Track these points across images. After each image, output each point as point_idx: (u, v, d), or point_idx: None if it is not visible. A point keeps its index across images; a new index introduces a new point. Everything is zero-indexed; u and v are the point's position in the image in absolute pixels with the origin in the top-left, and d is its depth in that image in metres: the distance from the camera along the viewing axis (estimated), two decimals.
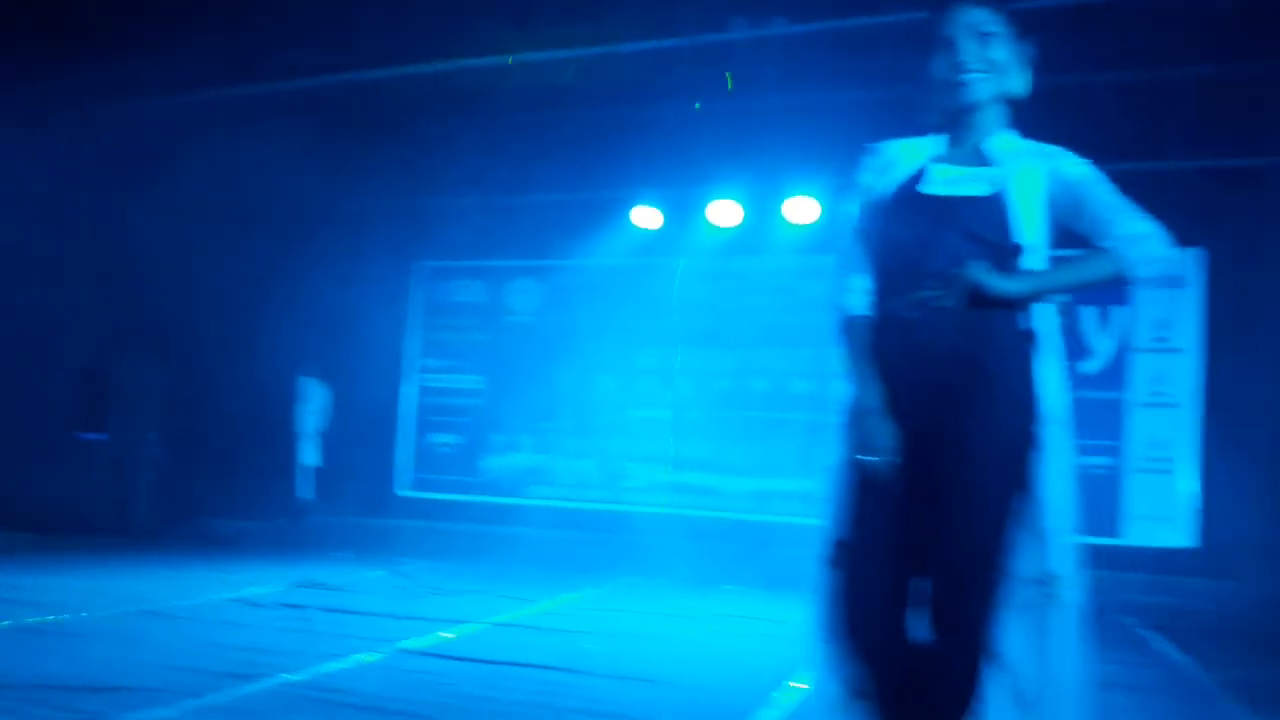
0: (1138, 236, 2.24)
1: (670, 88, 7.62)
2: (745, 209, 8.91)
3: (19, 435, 7.88)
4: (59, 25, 7.01)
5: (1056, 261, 2.29)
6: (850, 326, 2.34)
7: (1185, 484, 8.21)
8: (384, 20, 7.08)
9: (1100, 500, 8.43)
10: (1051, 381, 2.23)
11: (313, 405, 10.45)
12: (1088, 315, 8.52)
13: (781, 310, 9.39)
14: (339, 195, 9.77)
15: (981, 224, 2.23)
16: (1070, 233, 2.32)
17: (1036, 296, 2.22)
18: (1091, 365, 8.54)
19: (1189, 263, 8.29)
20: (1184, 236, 7.76)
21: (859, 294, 2.34)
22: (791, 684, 3.93)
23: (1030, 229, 2.24)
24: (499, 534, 9.43)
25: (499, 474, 10.64)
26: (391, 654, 4.33)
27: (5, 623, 4.51)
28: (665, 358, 9.98)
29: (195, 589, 5.73)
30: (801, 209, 8.60)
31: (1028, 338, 2.23)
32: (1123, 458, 8.47)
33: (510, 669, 4.16)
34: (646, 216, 9.36)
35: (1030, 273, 2.22)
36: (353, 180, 9.48)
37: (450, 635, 4.78)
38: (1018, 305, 2.21)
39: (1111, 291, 8.37)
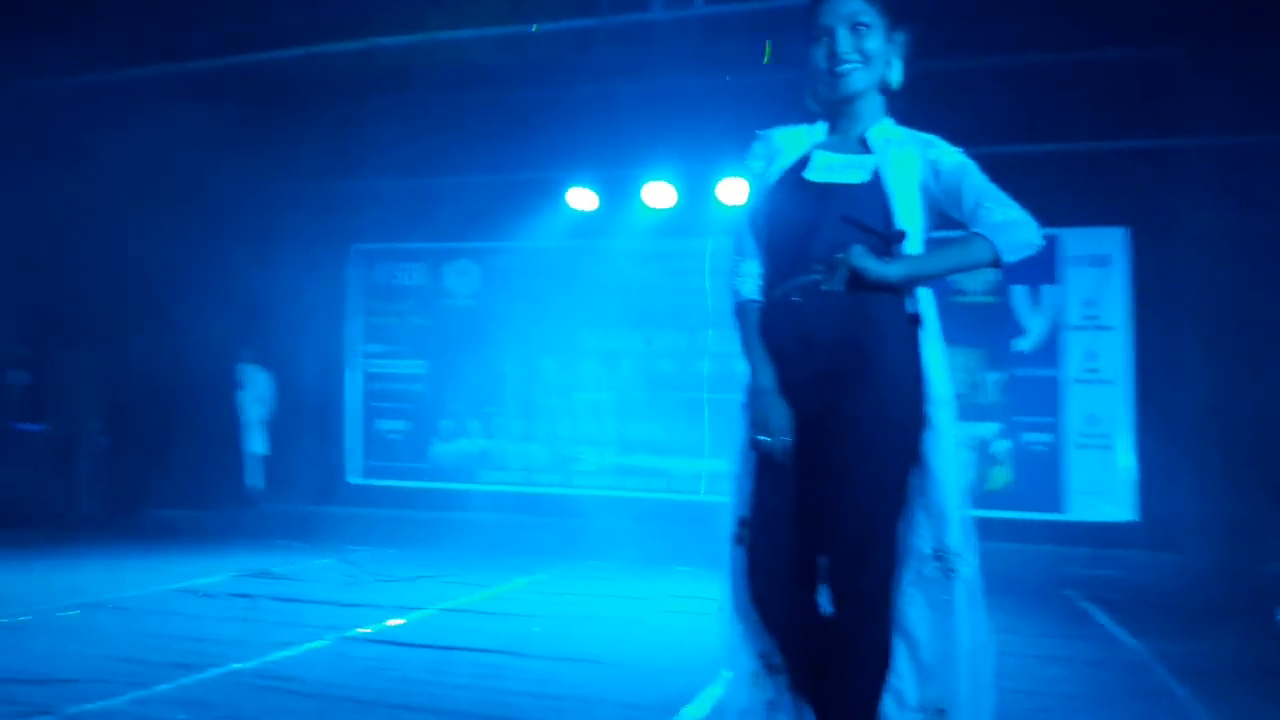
0: (1009, 223, 2.30)
1: (600, 68, 7.65)
2: (679, 190, 8.98)
3: None
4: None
5: (933, 246, 2.37)
6: (742, 310, 2.44)
7: (1123, 459, 8.46)
8: None
9: (1041, 476, 8.67)
10: (937, 363, 2.32)
11: (255, 392, 10.37)
12: (1019, 294, 8.74)
13: (722, 292, 9.46)
14: (272, 177, 9.64)
15: (860, 210, 2.32)
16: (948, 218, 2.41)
17: (915, 280, 2.31)
18: (1026, 343, 8.77)
19: (1114, 241, 8.54)
20: (1107, 215, 8.02)
21: (749, 279, 2.44)
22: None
23: (907, 215, 2.33)
24: (450, 520, 9.44)
25: (448, 460, 10.65)
26: (339, 641, 4.38)
27: None
28: (607, 340, 10.04)
29: (142, 580, 5.73)
30: (736, 190, 8.67)
31: (914, 320, 2.32)
32: (1061, 434, 8.69)
33: (456, 653, 4.24)
34: (582, 198, 9.39)
35: (908, 257, 2.30)
36: (286, 162, 9.38)
37: (398, 622, 4.84)
38: (901, 289, 2.29)
39: (1041, 270, 8.59)
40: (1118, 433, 8.51)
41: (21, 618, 4.66)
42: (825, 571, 2.27)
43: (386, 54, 7.35)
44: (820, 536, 2.27)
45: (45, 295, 8.29)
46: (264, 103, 8.38)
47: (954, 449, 2.30)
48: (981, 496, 8.68)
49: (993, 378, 8.87)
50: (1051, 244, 8.67)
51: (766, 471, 2.33)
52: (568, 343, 10.12)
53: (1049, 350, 8.76)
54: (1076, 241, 8.62)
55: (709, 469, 9.46)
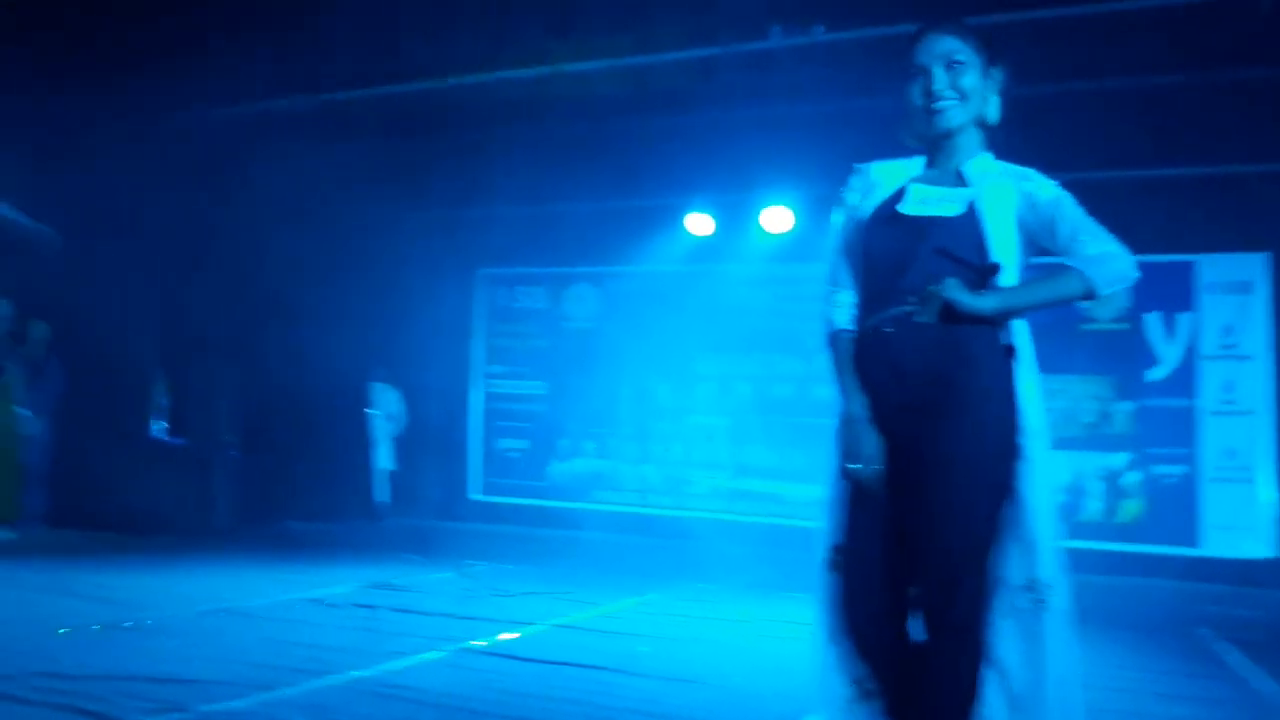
0: (1103, 256, 2.30)
1: (720, 95, 7.72)
2: (796, 215, 8.97)
3: (101, 440, 8.25)
4: (130, 38, 7.34)
5: (1028, 279, 2.38)
6: (835, 340, 2.48)
7: (1264, 493, 8.06)
8: (438, 33, 7.34)
9: (1175, 510, 8.33)
10: (1031, 394, 2.33)
11: (385, 410, 10.77)
12: (1153, 321, 8.43)
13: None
14: (404, 205, 10.05)
15: (955, 243, 2.34)
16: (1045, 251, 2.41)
17: (1008, 313, 2.31)
18: (1159, 372, 8.45)
19: (1255, 267, 8.17)
20: (1249, 241, 7.71)
21: (843, 309, 2.49)
22: None
23: (1002, 248, 2.34)
24: (565, 538, 9.59)
25: (564, 479, 10.83)
26: (455, 653, 4.50)
27: (89, 620, 4.78)
28: (722, 364, 10.08)
29: (270, 589, 5.97)
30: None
31: (1008, 352, 2.33)
32: (1196, 466, 8.35)
33: (566, 669, 4.30)
34: (700, 223, 9.47)
35: (1002, 290, 2.31)
36: (417, 190, 9.75)
37: (511, 636, 4.94)
38: (995, 321, 2.30)
39: (1177, 297, 8.28)
40: (1258, 465, 8.12)
41: (154, 621, 4.92)
42: (917, 600, 2.29)
43: (512, 86, 7.59)
44: (912, 565, 2.29)
45: (186, 315, 8.76)
46: (396, 134, 8.72)
47: (1047, 480, 2.30)
48: (1110, 530, 8.38)
49: (1124, 407, 8.58)
50: (1187, 270, 8.36)
51: (858, 499, 2.37)
52: (682, 366, 10.21)
53: (1184, 379, 8.43)
54: (1215, 268, 8.29)
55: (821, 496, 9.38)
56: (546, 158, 9.14)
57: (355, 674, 3.96)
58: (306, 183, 8.77)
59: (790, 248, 9.12)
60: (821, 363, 8.51)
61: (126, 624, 4.74)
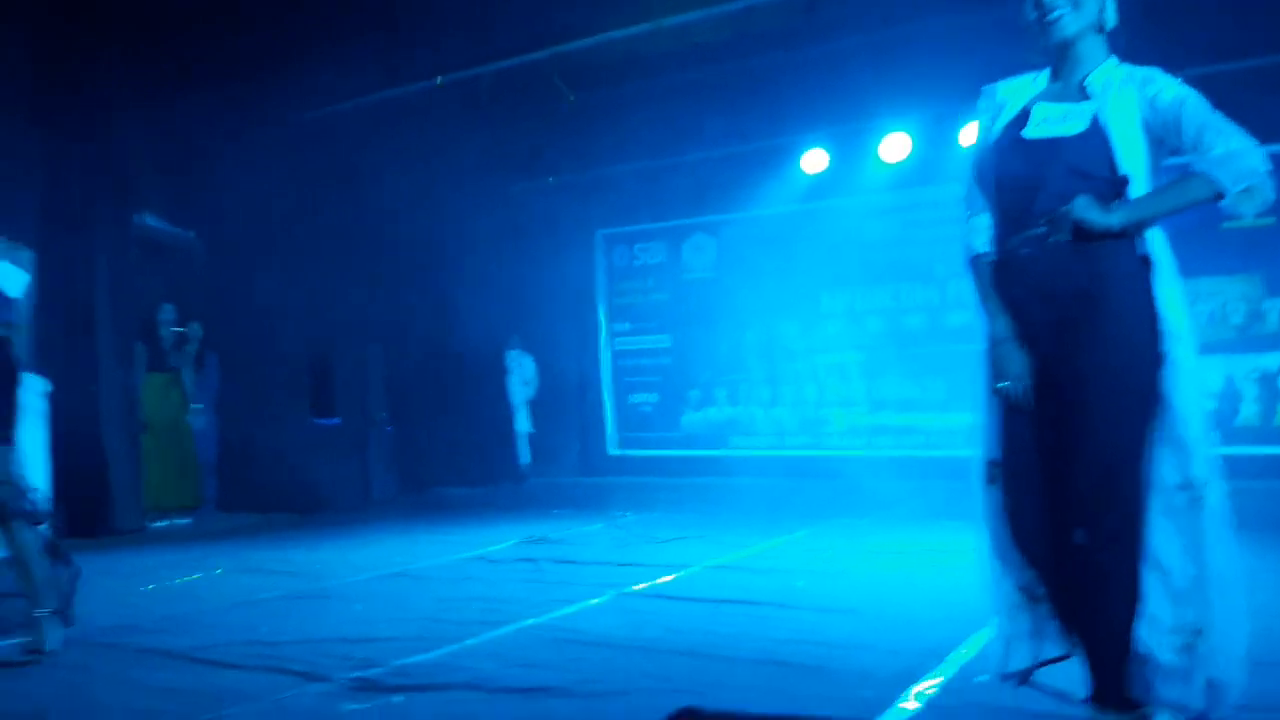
0: (1229, 155, 2.24)
1: (826, 27, 7.60)
2: (915, 141, 8.79)
3: (270, 425, 8.74)
4: (250, 43, 7.64)
5: (1157, 188, 2.35)
6: (975, 264, 2.53)
7: None
8: (539, 6, 7.43)
9: None
10: (1172, 300, 2.32)
11: (521, 376, 11.09)
12: None
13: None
14: (522, 176, 10.26)
15: (1082, 160, 2.34)
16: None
17: (1140, 225, 2.30)
18: None
19: None
20: None
21: (980, 233, 2.52)
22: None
23: (1129, 158, 2.32)
24: (703, 486, 9.75)
25: (698, 428, 10.97)
26: (617, 597, 4.68)
27: (276, 592, 5.14)
28: (851, 299, 10.00)
29: (435, 551, 6.28)
30: (975, 134, 8.43)
31: (1144, 262, 2.33)
32: None
33: (726, 606, 4.43)
34: (814, 160, 9.37)
35: (1131, 202, 2.30)
36: (534, 160, 9.94)
37: (668, 578, 5.09)
38: (1128, 233, 2.30)
39: None
40: None
41: (334, 586, 5.25)
42: (1075, 506, 2.34)
43: (615, 47, 7.64)
44: (1067, 475, 2.34)
45: (330, 302, 9.17)
46: (508, 109, 8.89)
47: (1194, 384, 2.32)
48: (1267, 433, 8.05)
49: (1275, 305, 8.19)
50: None
51: (1011, 416, 2.43)
52: (809, 306, 10.17)
53: None
54: None
55: (964, 423, 9.24)
56: (655, 114, 9.20)
57: (529, 622, 4.17)
58: (428, 166, 9.04)
59: (910, 174, 8.96)
60: (954, 289, 8.38)
61: (307, 591, 5.08)
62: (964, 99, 8.26)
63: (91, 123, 7.42)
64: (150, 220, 8.45)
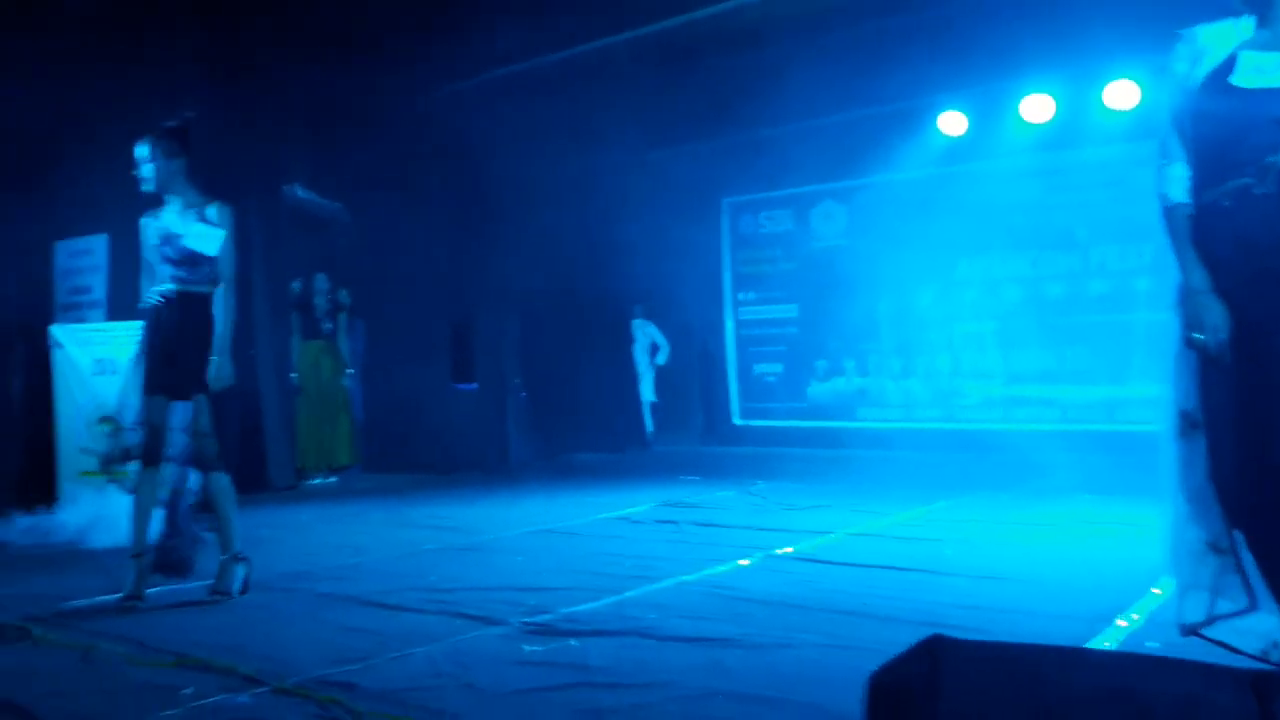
0: None
1: None
2: (1059, 101, 8.53)
3: (412, 389, 9.08)
4: (388, 19, 7.86)
5: None
6: (1171, 214, 2.47)
7: None
8: None
9: None
10: None
11: (647, 344, 11.23)
12: None
13: (1113, 204, 8.86)
14: (649, 144, 10.31)
15: None
16: None
17: None
18: None
19: None
20: None
21: (1177, 182, 2.46)
22: (1155, 590, 3.77)
23: None
24: (830, 457, 9.68)
25: (825, 399, 10.91)
26: (765, 558, 4.74)
27: (436, 544, 5.36)
28: (988, 266, 9.76)
29: (577, 512, 6.45)
30: (1122, 94, 8.14)
31: None
32: None
33: (876, 570, 4.45)
34: (951, 122, 9.18)
35: None
36: (660, 127, 9.96)
37: (815, 543, 5.14)
38: None
39: None
40: None
41: (489, 540, 5.45)
42: (1271, 459, 2.30)
43: (743, 12, 7.61)
44: (1264, 427, 2.30)
45: (468, 271, 9.44)
46: (634, 77, 8.94)
47: None
48: None
49: None
50: None
51: (1206, 368, 2.39)
52: (944, 274, 9.97)
53: None
54: None
55: (1108, 396, 8.95)
56: (784, 78, 9.11)
57: (683, 578, 4.28)
58: (562, 136, 9.18)
59: (1054, 135, 8.70)
60: (1096, 256, 8.07)
61: (463, 544, 5.30)
62: (1108, 57, 7.93)
63: (245, 95, 7.74)
64: (300, 191, 8.81)
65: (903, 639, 3.32)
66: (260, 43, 7.69)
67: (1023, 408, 9.55)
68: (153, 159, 4.21)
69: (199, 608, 4.03)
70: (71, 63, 6.87)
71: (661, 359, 11.37)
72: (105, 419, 6.15)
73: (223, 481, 4.19)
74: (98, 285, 7.50)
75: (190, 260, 4.16)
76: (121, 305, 6.75)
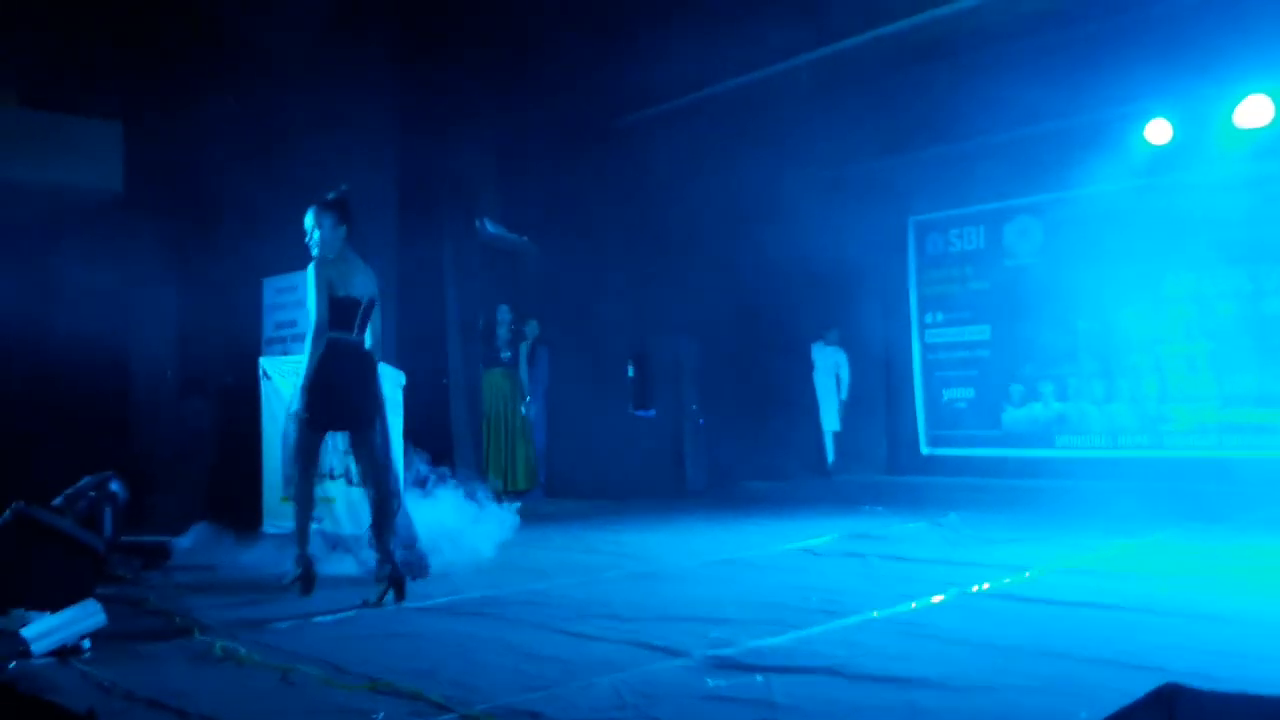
0: None
1: None
2: (1278, 104, 7.90)
3: (592, 416, 9.20)
4: (563, 51, 8.03)
5: None
6: None
7: None
8: None
9: None
10: None
11: (828, 370, 11.00)
12: None
13: None
14: (833, 163, 10.15)
15: None
16: None
17: None
18: None
19: None
20: None
21: None
22: None
23: None
24: (1024, 488, 9.23)
25: (1020, 426, 10.41)
26: (960, 595, 4.51)
27: (619, 572, 5.37)
28: (1200, 283, 9.11)
29: (758, 542, 6.34)
30: None
31: None
32: None
33: (1083, 608, 4.16)
34: (1158, 130, 8.64)
35: None
36: (846, 145, 9.78)
37: (1014, 579, 4.85)
38: None
39: None
40: None
41: (671, 569, 5.41)
42: None
43: (937, 25, 7.40)
44: None
45: (648, 300, 9.52)
46: (817, 97, 8.83)
47: None
48: None
49: None
50: None
51: None
52: (1150, 291, 9.38)
53: None
54: None
55: None
56: (973, 90, 8.81)
57: (872, 614, 4.11)
58: (737, 160, 9.15)
59: (1272, 142, 8.07)
60: None
61: (642, 572, 5.27)
62: None
63: (440, 135, 8.06)
64: (489, 225, 9.10)
65: (1116, 684, 3.10)
66: (452, 83, 8.00)
67: (1238, 434, 8.84)
68: (319, 227, 4.81)
69: (394, 636, 4.12)
70: (278, 111, 7.34)
71: (843, 393, 11.11)
72: None
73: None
74: (301, 320, 7.92)
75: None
76: None
